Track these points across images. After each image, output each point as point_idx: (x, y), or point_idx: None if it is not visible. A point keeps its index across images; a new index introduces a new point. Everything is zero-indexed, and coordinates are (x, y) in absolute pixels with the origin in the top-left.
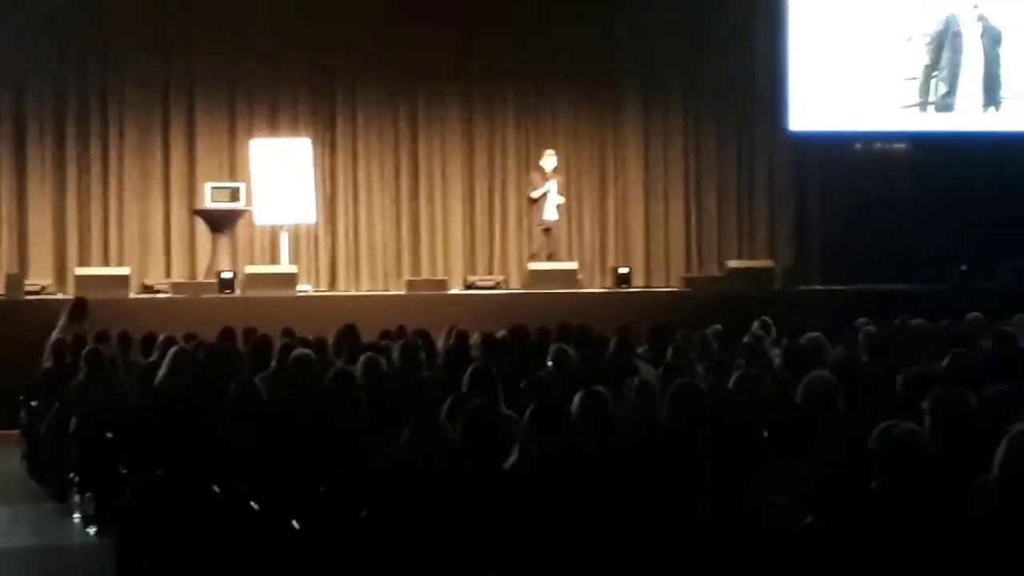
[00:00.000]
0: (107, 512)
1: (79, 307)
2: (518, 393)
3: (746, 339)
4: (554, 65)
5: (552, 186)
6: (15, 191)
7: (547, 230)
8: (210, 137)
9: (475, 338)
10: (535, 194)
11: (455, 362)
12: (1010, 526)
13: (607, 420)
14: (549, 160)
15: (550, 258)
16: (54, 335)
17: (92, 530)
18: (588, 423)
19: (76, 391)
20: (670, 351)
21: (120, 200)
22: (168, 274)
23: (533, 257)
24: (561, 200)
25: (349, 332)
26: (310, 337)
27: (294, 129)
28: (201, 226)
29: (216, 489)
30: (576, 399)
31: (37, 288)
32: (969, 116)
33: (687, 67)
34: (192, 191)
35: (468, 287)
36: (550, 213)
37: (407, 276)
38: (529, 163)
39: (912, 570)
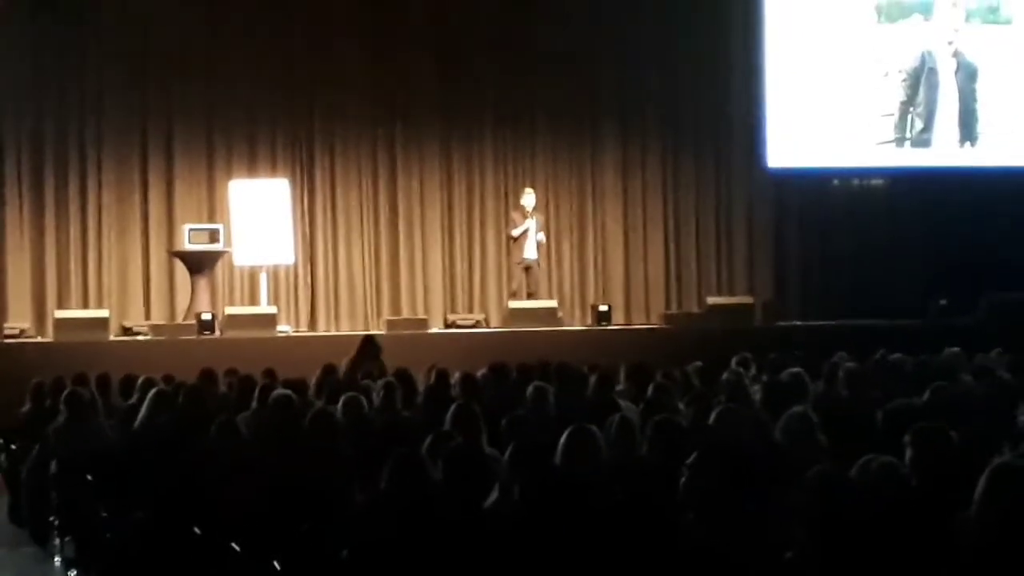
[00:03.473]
0: (88, 555)
1: (369, 346)
2: (499, 431)
3: (726, 375)
4: (532, 103)
5: (532, 224)
6: None
7: (527, 268)
8: (188, 178)
9: (456, 377)
10: (515, 232)
11: (435, 401)
12: (991, 560)
13: (594, 457)
14: (529, 198)
15: (530, 296)
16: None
17: (73, 574)
18: (575, 460)
19: (56, 434)
20: (651, 388)
21: (99, 242)
22: (147, 316)
23: (513, 295)
24: (542, 238)
25: (329, 372)
26: (290, 378)
27: (272, 170)
28: (180, 268)
29: (197, 531)
30: (564, 436)
31: (16, 332)
32: (946, 152)
33: (665, 104)
34: (171, 233)
35: (448, 326)
36: (530, 251)
37: (387, 315)
38: (508, 201)
39: None
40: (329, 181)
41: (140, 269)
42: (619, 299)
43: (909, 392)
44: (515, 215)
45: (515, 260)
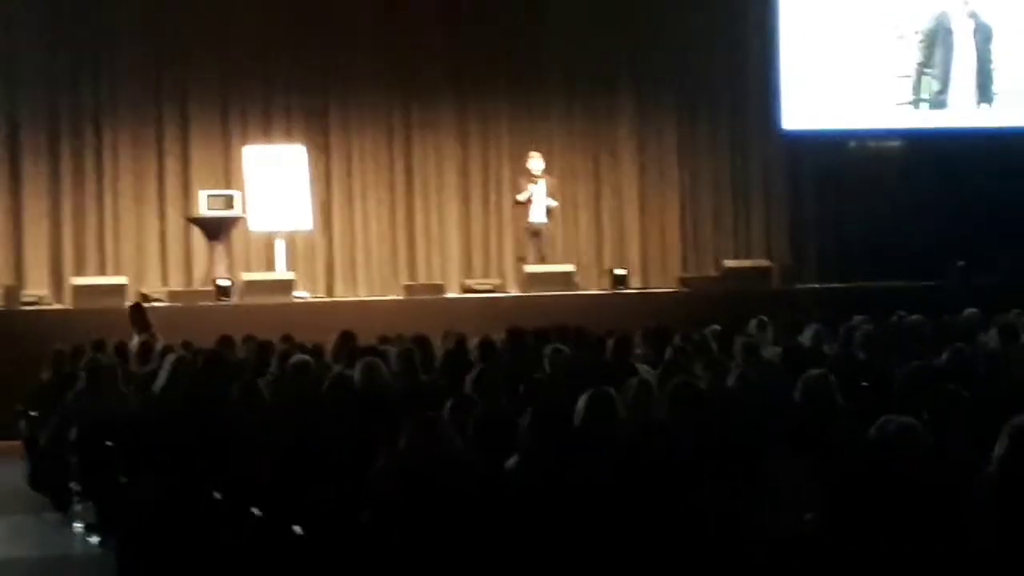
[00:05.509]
0: (108, 521)
1: (137, 314)
2: (517, 395)
3: (744, 338)
4: (547, 67)
5: (538, 188)
6: (10, 202)
7: (535, 233)
8: (204, 145)
9: (474, 342)
10: (521, 197)
11: (453, 366)
12: (1010, 519)
13: (612, 420)
14: (535, 162)
15: (543, 261)
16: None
17: (94, 539)
18: (594, 423)
19: (75, 400)
20: (668, 351)
21: (115, 209)
22: (165, 283)
23: (522, 260)
24: (553, 202)
25: (347, 338)
26: (308, 343)
27: (288, 135)
28: (197, 234)
29: (217, 496)
30: (583, 399)
31: (34, 299)
32: (962, 112)
33: (680, 67)
34: (187, 199)
35: (465, 291)
36: (536, 215)
37: (404, 281)
38: (524, 166)
39: (913, 565)
40: (345, 146)
41: (157, 235)
42: (636, 263)
43: (927, 353)
44: (522, 180)
45: (523, 225)
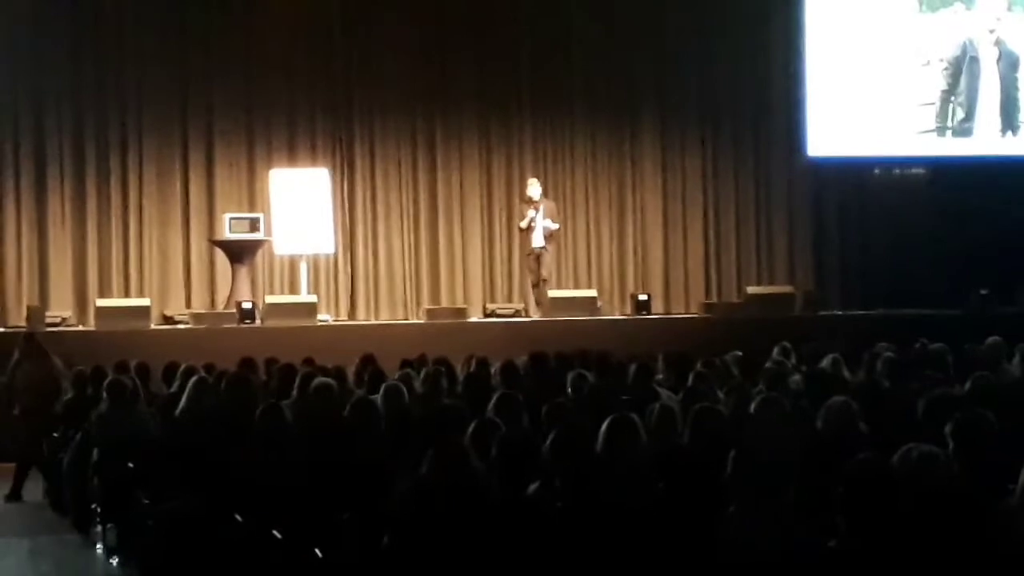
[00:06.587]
0: (129, 542)
1: (29, 343)
2: (539, 420)
3: (767, 364)
4: (571, 92)
5: (536, 213)
6: (35, 223)
7: (537, 257)
8: (229, 168)
9: (496, 366)
10: (523, 224)
11: (476, 390)
12: None
13: (634, 446)
14: (534, 189)
15: (544, 283)
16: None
17: (115, 561)
18: (615, 448)
19: (98, 422)
20: (691, 377)
21: (140, 231)
22: (188, 305)
23: (535, 287)
24: (554, 225)
25: (369, 361)
26: (330, 366)
27: (312, 159)
28: (221, 257)
29: (238, 518)
30: (605, 424)
31: (58, 320)
32: (987, 141)
33: (705, 93)
34: (211, 222)
35: (488, 315)
36: (536, 240)
37: (426, 305)
38: (547, 191)
39: None
40: (369, 170)
41: (181, 258)
42: (658, 288)
43: (950, 381)
44: (523, 206)
45: (525, 251)
